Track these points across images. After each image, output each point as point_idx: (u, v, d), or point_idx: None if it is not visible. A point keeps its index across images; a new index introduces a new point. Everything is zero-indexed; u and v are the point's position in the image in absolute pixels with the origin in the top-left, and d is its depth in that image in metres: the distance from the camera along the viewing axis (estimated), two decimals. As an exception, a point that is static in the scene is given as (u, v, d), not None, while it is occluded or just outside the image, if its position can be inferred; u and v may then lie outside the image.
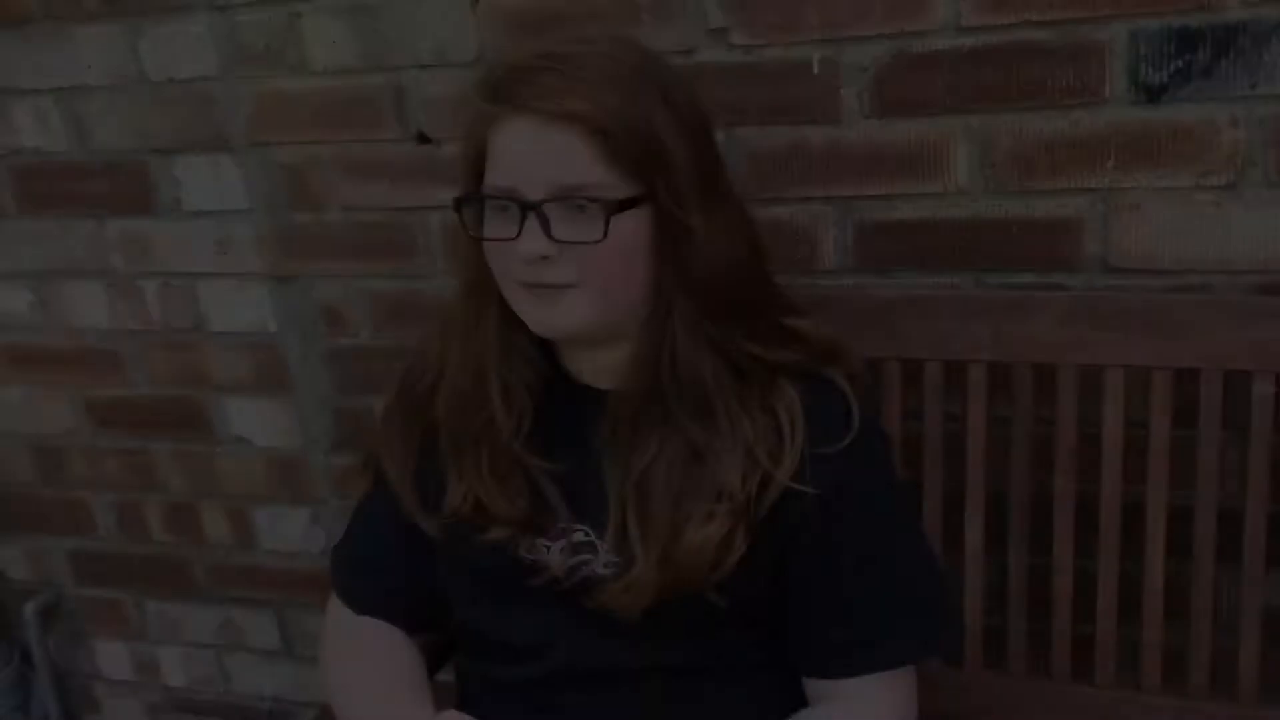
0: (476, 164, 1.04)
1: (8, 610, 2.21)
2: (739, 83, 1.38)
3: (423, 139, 1.55)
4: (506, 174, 1.01)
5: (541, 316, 1.05)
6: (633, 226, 1.00)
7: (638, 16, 1.39)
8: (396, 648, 1.23)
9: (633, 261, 1.02)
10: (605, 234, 0.98)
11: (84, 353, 1.91)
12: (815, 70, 1.35)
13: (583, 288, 1.02)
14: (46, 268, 1.87)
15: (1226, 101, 1.22)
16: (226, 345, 1.81)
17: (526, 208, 0.99)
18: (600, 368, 1.12)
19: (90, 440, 1.98)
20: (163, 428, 1.92)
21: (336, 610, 1.28)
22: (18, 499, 2.09)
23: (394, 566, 1.24)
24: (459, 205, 1.06)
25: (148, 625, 2.12)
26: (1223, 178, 1.25)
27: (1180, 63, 1.22)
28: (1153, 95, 1.24)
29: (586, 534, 1.11)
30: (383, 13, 1.51)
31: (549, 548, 1.12)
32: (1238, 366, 1.21)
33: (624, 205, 0.99)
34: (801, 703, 1.13)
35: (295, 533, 1.91)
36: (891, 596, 1.11)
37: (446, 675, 1.37)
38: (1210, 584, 1.27)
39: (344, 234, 1.66)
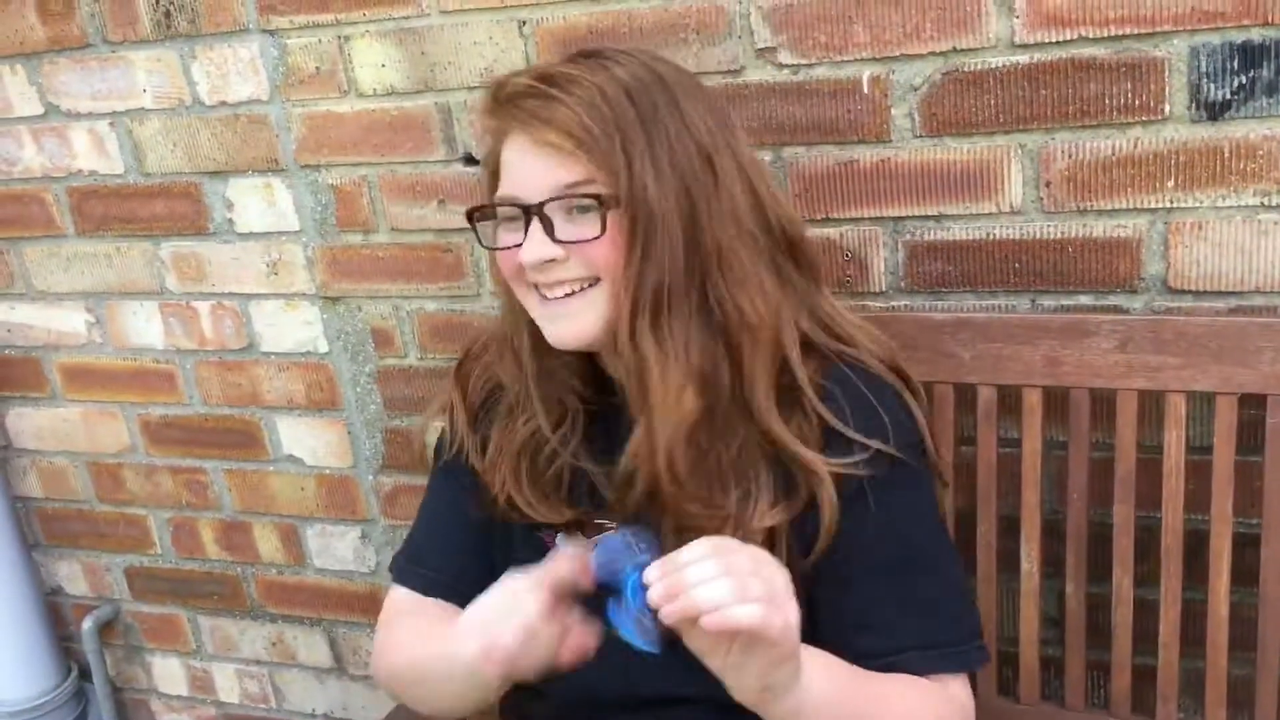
0: (494, 177, 1.09)
1: (67, 625, 2.24)
2: (787, 102, 1.36)
3: (470, 160, 1.55)
4: (510, 184, 1.06)
5: (555, 328, 1.07)
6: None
7: (685, 36, 1.37)
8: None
9: None
10: (604, 228, 1.01)
11: (139, 372, 1.93)
12: (865, 89, 1.33)
13: (599, 286, 1.04)
14: (103, 288, 1.89)
15: (1292, 118, 1.19)
16: (278, 365, 1.82)
17: (530, 212, 1.03)
18: None
19: (145, 458, 2.00)
20: (216, 446, 1.93)
21: (392, 603, 1.27)
22: (76, 516, 2.12)
23: (453, 552, 1.24)
24: (472, 218, 1.11)
25: (202, 642, 2.14)
26: (1288, 196, 1.21)
27: (1243, 79, 1.19)
28: (1214, 112, 1.21)
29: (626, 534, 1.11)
30: (431, 35, 1.51)
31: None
32: (1305, 392, 1.17)
33: (619, 201, 1.01)
34: None
35: (346, 551, 1.92)
36: (933, 602, 1.09)
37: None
38: (1278, 614, 1.23)
39: (392, 255, 1.66)
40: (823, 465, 1.04)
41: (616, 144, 1.00)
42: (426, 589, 1.24)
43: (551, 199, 1.02)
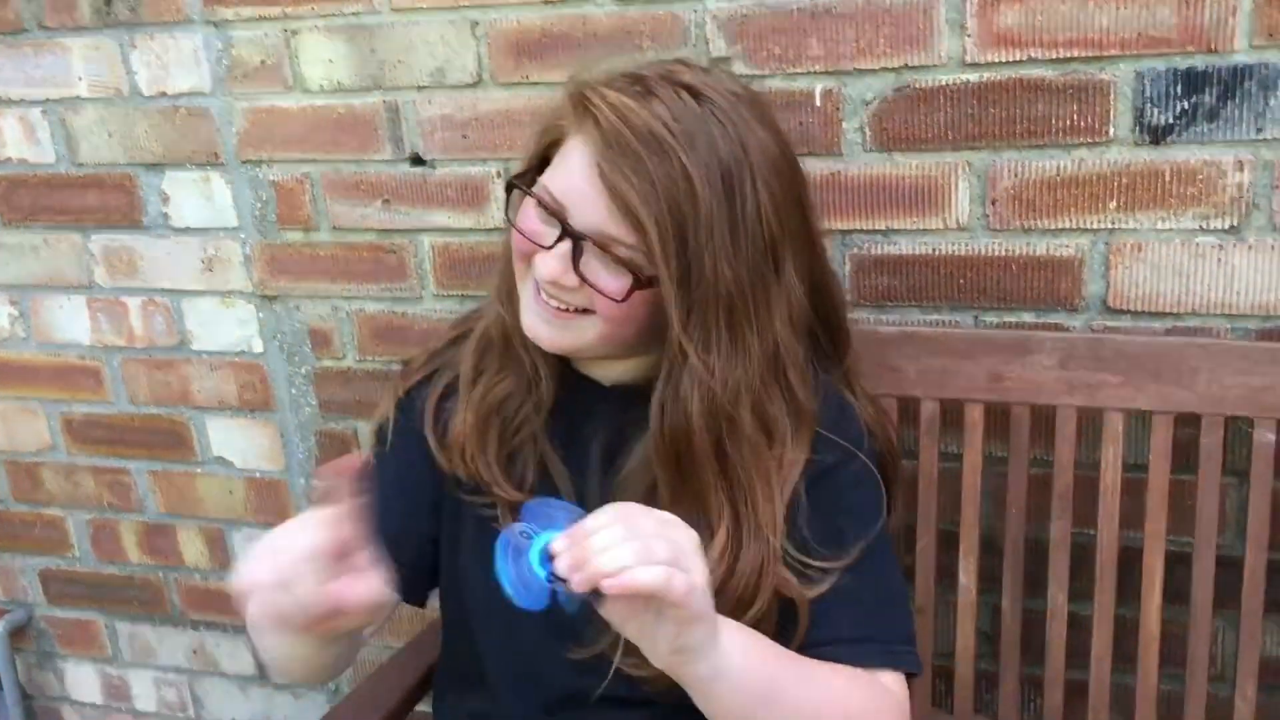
0: (548, 149, 1.04)
1: (-24, 629, 2.16)
2: (740, 112, 1.36)
3: (417, 161, 1.53)
4: (564, 188, 1.00)
5: (535, 325, 1.05)
6: (656, 296, 0.99)
7: (640, 43, 1.37)
8: None
9: (648, 319, 1.01)
10: (626, 297, 0.98)
11: (63, 368, 1.88)
12: (817, 102, 1.34)
13: (596, 318, 1.02)
14: (28, 281, 1.84)
15: (1231, 145, 1.22)
16: (210, 364, 1.78)
17: (567, 233, 0.99)
18: (607, 369, 1.13)
19: (67, 458, 1.94)
20: (142, 447, 1.88)
21: None
22: (-10, 516, 2.05)
23: (395, 514, 1.16)
24: (511, 186, 1.06)
25: (119, 648, 2.08)
26: (1226, 221, 1.24)
27: (1186, 104, 1.22)
28: (1157, 136, 1.24)
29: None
30: (381, 32, 1.49)
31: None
32: (1239, 413, 1.20)
33: (653, 281, 0.98)
34: None
35: (274, 557, 1.87)
36: (870, 601, 1.09)
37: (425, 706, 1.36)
38: (1207, 631, 1.25)
39: (333, 254, 1.63)
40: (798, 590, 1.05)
41: (680, 237, 0.95)
42: None
43: (593, 240, 0.98)
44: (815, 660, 1.04)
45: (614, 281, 0.99)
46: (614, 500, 1.04)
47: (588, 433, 1.10)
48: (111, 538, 1.98)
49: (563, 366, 1.13)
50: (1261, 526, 1.21)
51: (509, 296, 1.11)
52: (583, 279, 0.99)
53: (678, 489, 1.04)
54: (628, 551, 0.82)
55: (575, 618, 0.88)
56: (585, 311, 1.02)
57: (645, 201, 0.94)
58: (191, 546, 1.93)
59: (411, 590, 1.21)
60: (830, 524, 1.07)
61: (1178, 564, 1.27)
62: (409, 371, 1.22)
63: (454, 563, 1.18)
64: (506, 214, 1.07)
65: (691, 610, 0.86)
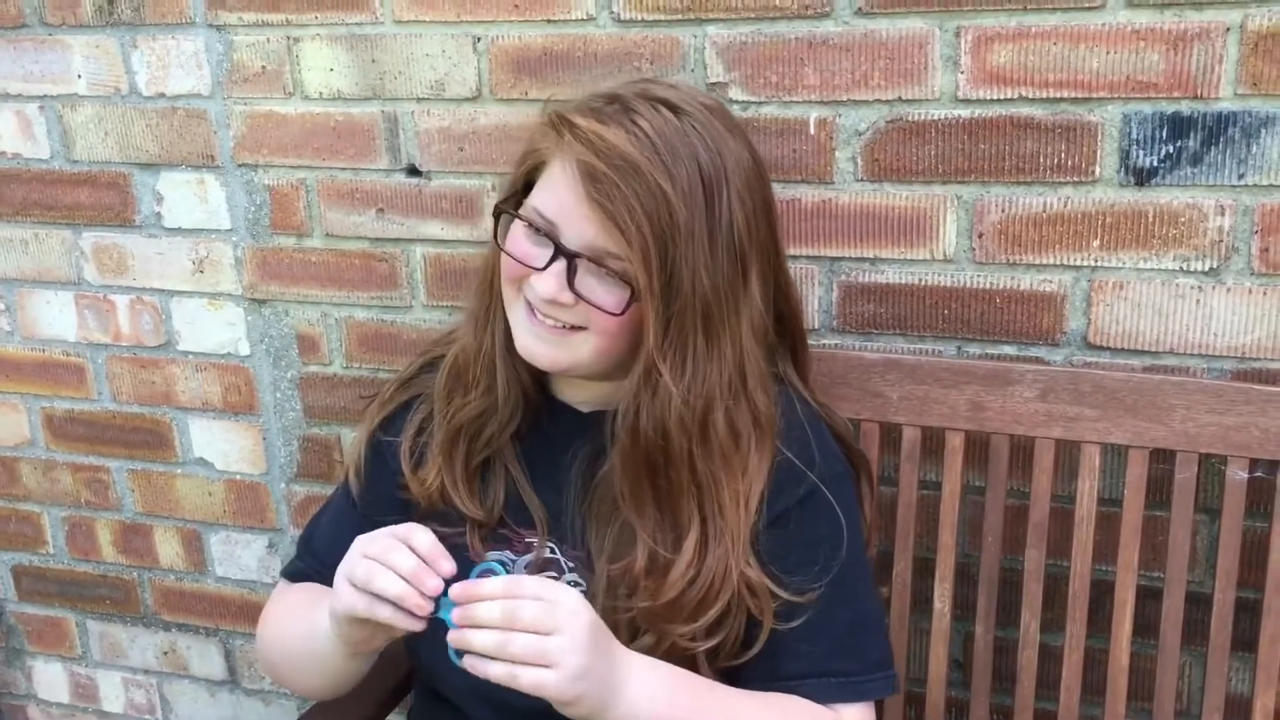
0: (531, 173, 1.07)
1: (-56, 623, 2.15)
2: (735, 137, 1.38)
3: (413, 171, 1.55)
4: (554, 209, 1.02)
5: (531, 344, 1.06)
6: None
7: (639, 65, 1.39)
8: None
9: (638, 333, 1.03)
10: (624, 311, 1.01)
11: (47, 363, 1.87)
12: (811, 130, 1.36)
13: (590, 334, 1.04)
14: (16, 275, 1.84)
15: (1214, 189, 1.24)
16: (195, 365, 1.78)
17: (561, 252, 1.01)
18: (584, 394, 1.14)
19: (45, 453, 1.94)
20: (122, 445, 1.88)
21: (279, 591, 1.31)
22: (-36, 509, 2.04)
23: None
24: (499, 211, 1.08)
25: (89, 647, 2.07)
26: (1206, 263, 1.27)
27: (1171, 148, 1.25)
28: (1142, 178, 1.26)
29: (553, 550, 1.13)
30: (383, 43, 1.51)
31: (514, 561, 1.13)
32: (1213, 450, 1.22)
33: (650, 294, 1.00)
34: None
35: (250, 560, 1.87)
36: (841, 632, 1.11)
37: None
38: (1175, 665, 1.27)
39: (325, 260, 1.64)
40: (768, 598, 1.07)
41: (663, 249, 0.98)
42: (308, 576, 1.26)
43: (586, 257, 1.01)
44: (752, 694, 1.06)
45: (609, 296, 1.01)
46: (590, 515, 1.09)
47: (570, 456, 1.12)
48: (87, 535, 1.97)
49: (539, 394, 1.16)
50: (1231, 564, 1.23)
51: (484, 320, 1.13)
52: (579, 296, 1.01)
53: (645, 496, 1.06)
54: (488, 639, 0.91)
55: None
56: (578, 329, 1.04)
57: (632, 214, 0.97)
58: (167, 547, 1.92)
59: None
60: (804, 554, 1.09)
61: (1148, 598, 1.29)
62: (381, 404, 1.24)
63: None
64: (495, 239, 1.09)
65: (554, 698, 0.93)
